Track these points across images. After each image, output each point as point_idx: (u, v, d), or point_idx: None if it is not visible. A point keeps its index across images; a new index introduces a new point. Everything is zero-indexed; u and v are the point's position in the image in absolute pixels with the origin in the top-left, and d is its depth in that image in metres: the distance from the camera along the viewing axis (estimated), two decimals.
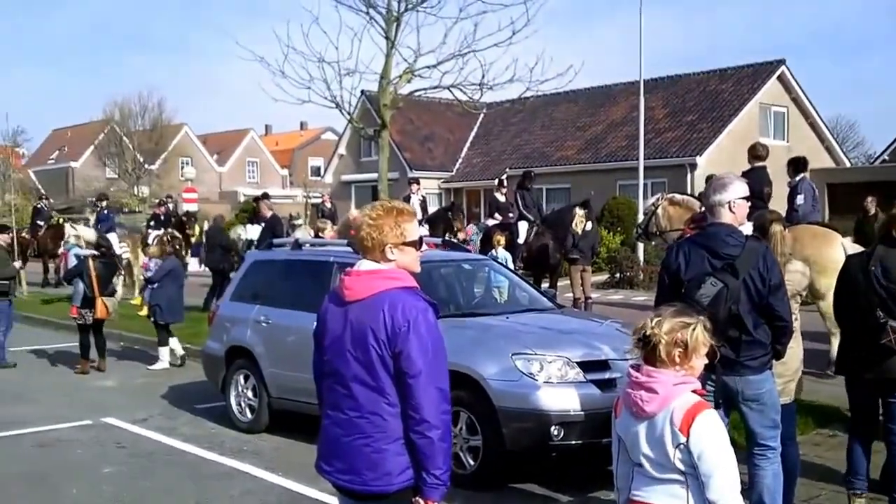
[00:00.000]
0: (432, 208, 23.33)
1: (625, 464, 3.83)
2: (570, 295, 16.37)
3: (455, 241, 16.27)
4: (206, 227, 31.48)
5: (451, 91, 15.25)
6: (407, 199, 17.94)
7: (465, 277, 10.12)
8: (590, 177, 33.13)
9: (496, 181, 21.56)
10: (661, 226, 13.31)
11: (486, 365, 7.49)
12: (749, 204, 5.64)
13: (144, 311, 16.59)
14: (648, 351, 3.70)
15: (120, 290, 17.23)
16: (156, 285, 13.84)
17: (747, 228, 5.95)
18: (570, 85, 15.20)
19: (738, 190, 5.53)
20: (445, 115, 39.53)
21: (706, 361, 3.76)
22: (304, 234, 18.46)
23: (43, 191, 47.76)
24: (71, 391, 12.26)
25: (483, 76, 14.75)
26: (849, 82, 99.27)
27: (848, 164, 38.51)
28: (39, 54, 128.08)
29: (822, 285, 9.54)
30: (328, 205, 25.79)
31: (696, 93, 35.06)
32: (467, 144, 41.36)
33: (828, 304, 8.58)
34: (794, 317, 5.82)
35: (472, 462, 7.52)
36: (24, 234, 25.10)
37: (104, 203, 23.79)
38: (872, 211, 19.06)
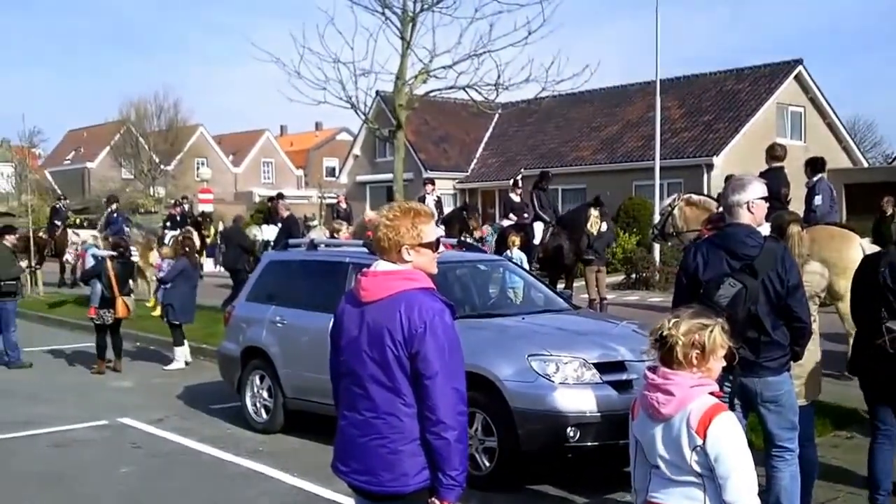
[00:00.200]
0: (448, 209, 23.31)
1: (642, 466, 3.82)
2: (586, 296, 16.31)
3: (471, 240, 16.26)
4: (220, 227, 31.66)
5: (466, 91, 15.23)
6: (422, 200, 17.94)
7: (481, 278, 10.11)
8: (605, 177, 33.05)
9: (511, 182, 21.52)
10: (677, 226, 13.27)
11: (502, 366, 7.47)
12: (767, 204, 5.61)
13: (157, 312, 16.67)
14: (665, 352, 3.69)
15: None
16: (168, 285, 13.90)
17: (765, 229, 5.91)
18: (585, 85, 15.14)
19: (757, 190, 5.50)
20: (460, 116, 39.49)
21: (724, 363, 3.74)
22: (319, 234, 18.49)
23: (59, 191, 47.98)
24: (87, 391, 12.30)
25: (498, 76, 14.72)
26: (866, 82, 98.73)
27: (865, 165, 38.28)
28: (55, 55, 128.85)
29: (840, 287, 9.48)
30: (343, 205, 25.79)
31: (713, 93, 34.92)
32: (482, 145, 41.31)
33: (846, 305, 8.51)
34: (812, 318, 5.78)
35: (487, 463, 7.51)
36: (41, 234, 25.20)
37: (114, 205, 23.90)
38: (889, 211, 18.95)
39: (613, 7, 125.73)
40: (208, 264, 29.15)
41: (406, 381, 3.68)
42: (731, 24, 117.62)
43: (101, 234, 20.17)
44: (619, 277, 22.63)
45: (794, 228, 6.22)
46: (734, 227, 5.51)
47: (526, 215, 18.47)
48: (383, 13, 14.77)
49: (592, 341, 7.85)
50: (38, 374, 13.66)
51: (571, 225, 16.71)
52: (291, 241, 12.08)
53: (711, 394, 3.63)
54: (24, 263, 14.95)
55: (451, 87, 15.27)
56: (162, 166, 58.61)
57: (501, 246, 16.44)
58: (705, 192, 23.45)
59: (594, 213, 16.33)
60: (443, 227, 17.62)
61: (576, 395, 7.21)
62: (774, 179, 10.20)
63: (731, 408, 5.05)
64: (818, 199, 11.65)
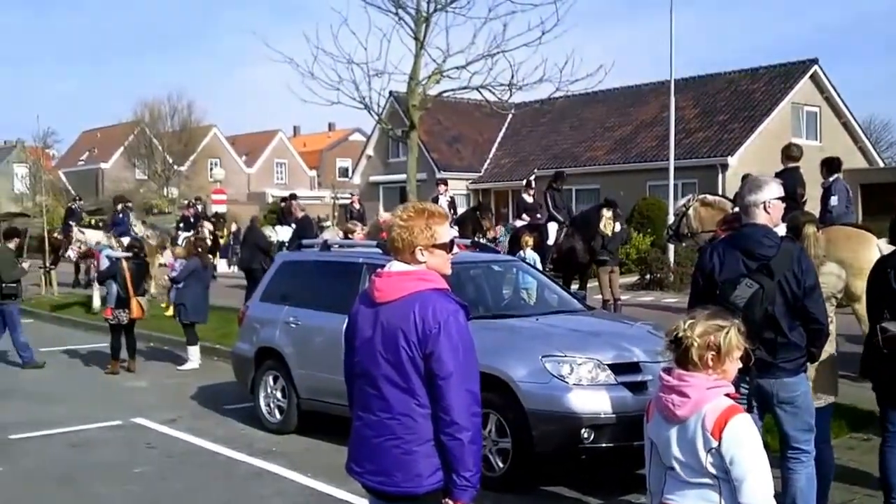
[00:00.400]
0: (461, 209, 23.28)
1: (657, 467, 3.80)
2: (599, 297, 16.27)
3: (485, 240, 16.23)
4: (233, 228, 31.75)
5: (479, 92, 15.21)
6: (435, 201, 17.90)
7: (494, 279, 10.09)
8: (619, 177, 32.97)
9: (524, 182, 21.47)
10: (692, 227, 13.21)
11: (516, 367, 7.45)
12: (784, 205, 5.57)
13: (170, 312, 16.71)
14: (681, 354, 3.67)
15: None
16: (181, 285, 13.94)
17: (781, 230, 5.88)
18: (599, 85, 15.10)
19: (774, 190, 5.47)
20: (473, 116, 39.47)
21: (740, 365, 3.71)
22: (332, 235, 18.51)
23: (73, 192, 48.17)
24: (101, 391, 12.35)
25: (512, 76, 14.69)
26: (882, 82, 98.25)
27: (882, 165, 38.07)
28: (69, 56, 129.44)
29: (857, 288, 9.39)
30: (357, 206, 25.77)
31: (728, 93, 34.79)
32: (495, 145, 41.28)
33: (863, 306, 8.44)
34: (829, 319, 5.74)
35: (501, 464, 7.49)
36: (55, 235, 25.29)
37: (119, 206, 23.94)
38: None
39: (628, 7, 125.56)
40: (222, 265, 29.21)
41: (420, 381, 3.68)
42: (747, 23, 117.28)
43: (106, 235, 20.27)
44: (634, 278, 22.54)
45: (810, 229, 6.19)
46: (750, 227, 5.47)
47: (539, 216, 18.43)
48: (397, 13, 14.78)
49: (607, 342, 7.83)
50: (53, 374, 13.71)
51: (585, 226, 16.66)
52: (305, 241, 12.09)
53: (727, 395, 3.61)
54: (26, 265, 15.00)
55: (464, 88, 15.26)
56: (175, 167, 58.79)
57: (515, 246, 16.42)
58: (720, 192, 23.40)
59: (607, 213, 16.27)
60: (456, 227, 17.59)
61: (590, 397, 7.19)
62: (790, 180, 10.15)
63: (750, 409, 5.03)
64: (834, 200, 11.58)
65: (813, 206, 11.46)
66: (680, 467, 3.62)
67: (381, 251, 8.94)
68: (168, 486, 7.96)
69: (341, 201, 38.09)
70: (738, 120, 32.81)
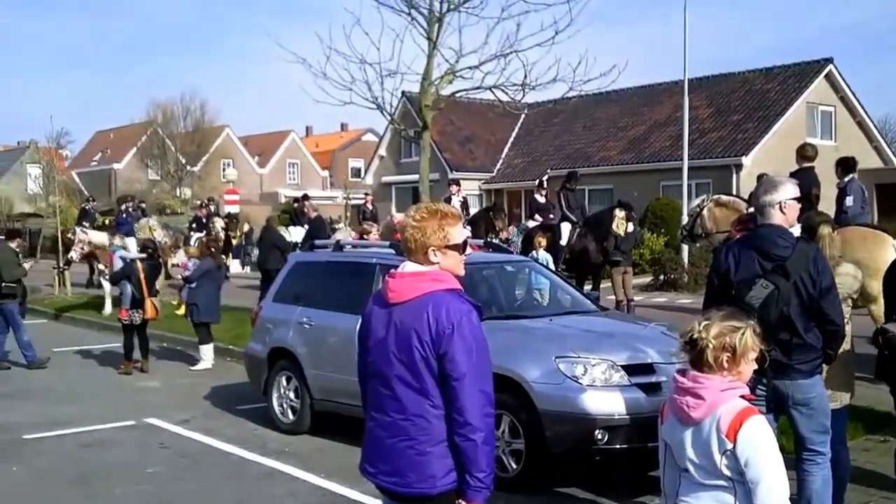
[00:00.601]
0: (474, 210, 23.25)
1: (671, 469, 3.78)
2: (613, 297, 16.22)
3: (498, 240, 16.19)
4: (245, 228, 31.82)
5: (492, 92, 15.16)
6: (447, 201, 17.88)
7: (507, 279, 10.06)
8: (633, 178, 32.90)
9: (536, 182, 21.42)
10: (706, 227, 13.17)
11: (529, 368, 7.43)
12: (800, 205, 5.54)
13: (182, 311, 16.75)
14: (695, 355, 3.65)
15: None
16: (193, 285, 13.97)
17: (796, 230, 5.84)
18: (612, 85, 15.04)
19: (790, 191, 5.44)
20: (486, 116, 39.45)
21: (755, 366, 3.69)
22: (344, 235, 18.51)
23: (86, 192, 48.36)
24: (114, 392, 12.38)
25: (525, 76, 14.64)
26: None
27: None
28: (82, 56, 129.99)
29: (873, 288, 9.33)
30: (370, 206, 25.77)
31: (742, 92, 34.67)
32: (508, 145, 41.24)
33: (880, 307, 8.39)
34: (845, 320, 5.70)
35: (514, 465, 7.47)
36: (69, 236, 25.37)
37: (123, 206, 23.97)
38: None
39: (641, 6, 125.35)
40: (234, 265, 29.28)
41: (434, 382, 3.68)
42: (761, 22, 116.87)
43: (110, 235, 20.33)
44: (647, 279, 22.47)
45: (825, 230, 6.15)
46: (766, 227, 5.45)
47: (552, 216, 18.38)
48: (409, 14, 14.75)
49: (621, 343, 7.80)
50: (66, 374, 13.75)
51: (598, 226, 16.61)
52: (318, 241, 12.09)
53: (742, 397, 3.59)
54: (27, 265, 15.07)
55: (477, 88, 15.22)
56: (188, 167, 59.01)
57: (527, 247, 16.38)
58: (734, 192, 23.29)
59: (620, 213, 16.22)
60: (469, 227, 17.56)
61: (604, 398, 7.16)
62: (805, 180, 10.08)
63: (768, 411, 5.00)
64: (849, 200, 11.51)
65: (828, 206, 11.37)
66: (694, 469, 3.61)
67: (394, 252, 8.94)
68: (181, 486, 7.96)
69: (354, 202, 38.13)
70: (753, 120, 32.69)
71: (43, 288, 24.48)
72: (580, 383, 7.22)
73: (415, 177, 18.88)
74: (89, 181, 63.81)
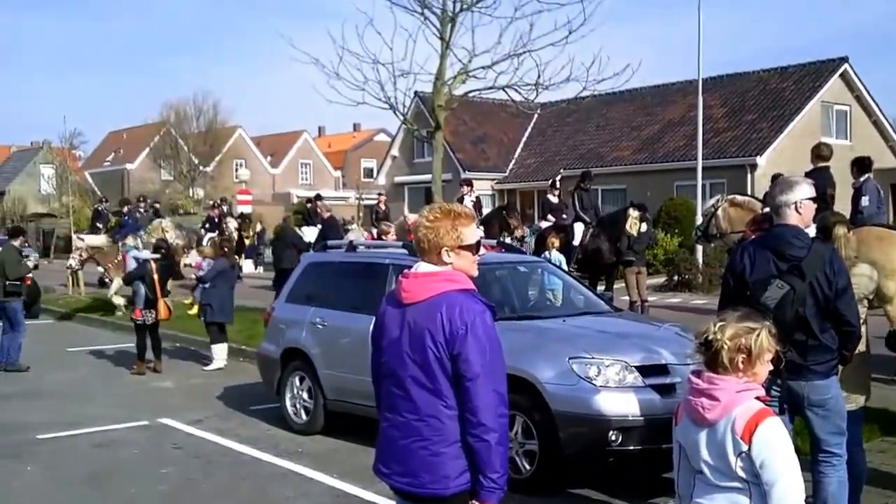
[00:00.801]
0: (487, 210, 23.21)
1: (686, 471, 3.77)
2: (626, 298, 16.18)
3: (514, 238, 16.16)
4: (258, 228, 31.89)
5: (506, 91, 15.13)
6: (460, 202, 17.86)
7: (520, 280, 10.03)
8: (646, 177, 32.80)
9: (549, 182, 21.39)
10: (721, 228, 13.13)
11: (543, 368, 7.40)
12: (815, 205, 5.50)
13: (195, 311, 16.77)
14: (711, 356, 3.63)
15: None
16: (207, 285, 13.99)
17: (812, 231, 5.81)
18: (626, 84, 14.99)
19: (805, 191, 5.41)
20: (499, 116, 39.44)
21: (770, 367, 3.66)
22: (357, 235, 18.53)
23: (99, 192, 48.54)
24: (127, 392, 12.40)
25: (538, 76, 14.61)
26: None
27: None
28: (95, 57, 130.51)
29: (889, 289, 9.30)
30: (383, 206, 25.77)
31: (756, 91, 34.52)
32: (521, 145, 41.19)
33: (895, 307, 8.35)
34: (861, 321, 5.66)
35: (527, 466, 7.44)
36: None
37: (125, 208, 24.02)
38: None
39: (654, 5, 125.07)
40: (247, 265, 29.34)
41: (447, 382, 3.67)
42: (775, 21, 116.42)
43: (108, 238, 20.42)
44: (661, 279, 22.42)
45: (841, 230, 6.11)
46: (781, 227, 5.41)
47: (564, 216, 18.35)
48: (422, 13, 14.73)
49: (634, 344, 7.76)
50: (79, 374, 13.79)
51: (611, 226, 16.58)
52: (330, 242, 12.09)
53: (757, 398, 3.57)
54: (31, 262, 15.11)
55: (490, 88, 15.19)
56: (201, 168, 59.16)
57: (540, 247, 16.35)
58: (748, 192, 23.21)
59: (634, 213, 16.17)
60: (481, 228, 17.52)
61: (618, 399, 7.13)
62: (820, 180, 10.02)
63: (781, 412, 4.97)
64: (865, 200, 11.45)
65: (843, 206, 11.33)
66: (709, 471, 3.59)
67: (407, 252, 8.93)
68: (194, 487, 7.97)
69: (366, 202, 38.15)
70: (767, 119, 32.55)
71: (57, 288, 24.59)
72: (594, 384, 7.19)
73: (427, 177, 18.87)
74: (102, 181, 64.06)
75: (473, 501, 3.69)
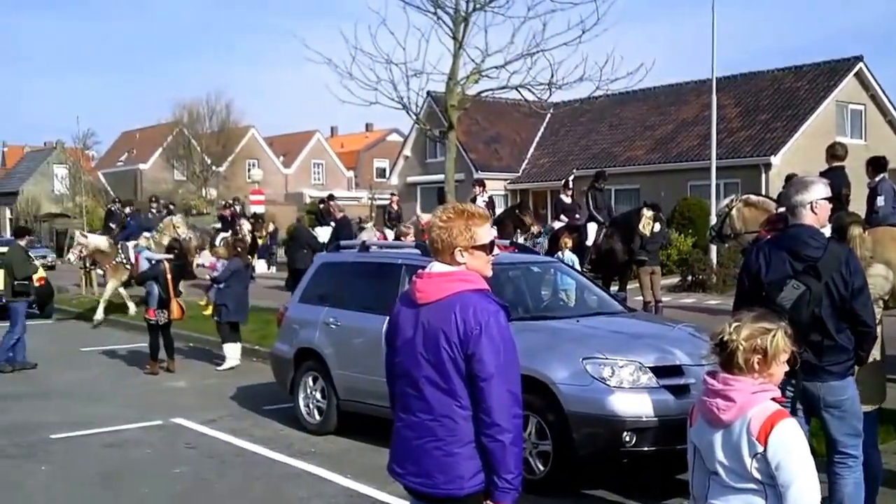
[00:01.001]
0: (500, 210, 23.17)
1: (700, 472, 3.74)
2: (640, 298, 16.13)
3: (530, 234, 16.11)
4: (270, 228, 31.92)
5: (518, 91, 15.09)
6: (472, 202, 17.80)
7: (534, 280, 10.01)
8: (660, 177, 32.69)
9: (562, 182, 21.34)
10: (735, 228, 13.08)
11: (557, 369, 7.39)
12: (831, 205, 5.47)
13: (209, 311, 16.80)
14: (726, 357, 3.61)
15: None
16: (222, 285, 14.00)
17: (827, 231, 5.78)
18: (639, 84, 14.93)
19: (821, 190, 5.38)
20: (512, 116, 39.37)
21: (786, 368, 3.64)
22: (370, 236, 18.53)
23: (112, 192, 48.70)
24: (140, 392, 12.44)
25: (552, 76, 14.57)
26: None
27: None
28: (109, 58, 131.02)
29: None
30: (395, 206, 25.75)
31: (770, 91, 34.36)
32: (534, 145, 41.11)
33: None
34: (876, 321, 5.63)
35: (541, 467, 7.43)
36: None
37: (128, 209, 24.05)
38: None
39: (668, 5, 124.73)
40: (260, 265, 29.38)
41: (461, 383, 3.66)
42: (789, 20, 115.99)
43: (109, 239, 20.45)
44: (675, 279, 22.35)
45: (856, 230, 6.08)
46: (797, 227, 5.39)
47: (577, 216, 18.30)
48: (435, 13, 14.71)
49: (649, 345, 7.73)
50: (93, 374, 13.84)
51: (625, 226, 16.53)
52: (343, 242, 12.09)
53: (773, 399, 3.54)
54: (48, 262, 15.17)
55: (503, 87, 15.15)
56: (214, 168, 59.22)
57: (553, 247, 16.31)
58: (763, 192, 23.10)
59: (647, 213, 16.12)
60: (495, 228, 17.44)
61: (632, 399, 7.11)
62: (835, 179, 9.97)
63: (793, 413, 4.93)
64: (880, 200, 11.38)
65: (858, 206, 11.27)
66: (724, 472, 3.57)
67: (420, 252, 8.91)
68: (207, 486, 7.98)
69: (379, 202, 38.14)
70: (781, 119, 32.40)
71: (70, 288, 24.69)
72: (608, 385, 7.17)
73: (440, 177, 18.84)
74: (115, 181, 64.20)
75: (488, 502, 3.69)
